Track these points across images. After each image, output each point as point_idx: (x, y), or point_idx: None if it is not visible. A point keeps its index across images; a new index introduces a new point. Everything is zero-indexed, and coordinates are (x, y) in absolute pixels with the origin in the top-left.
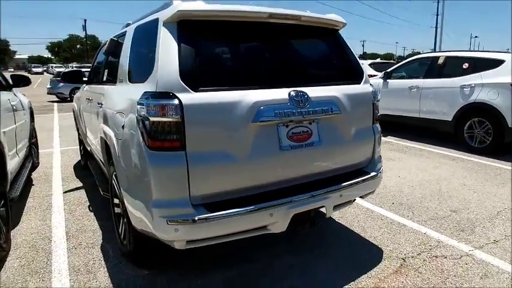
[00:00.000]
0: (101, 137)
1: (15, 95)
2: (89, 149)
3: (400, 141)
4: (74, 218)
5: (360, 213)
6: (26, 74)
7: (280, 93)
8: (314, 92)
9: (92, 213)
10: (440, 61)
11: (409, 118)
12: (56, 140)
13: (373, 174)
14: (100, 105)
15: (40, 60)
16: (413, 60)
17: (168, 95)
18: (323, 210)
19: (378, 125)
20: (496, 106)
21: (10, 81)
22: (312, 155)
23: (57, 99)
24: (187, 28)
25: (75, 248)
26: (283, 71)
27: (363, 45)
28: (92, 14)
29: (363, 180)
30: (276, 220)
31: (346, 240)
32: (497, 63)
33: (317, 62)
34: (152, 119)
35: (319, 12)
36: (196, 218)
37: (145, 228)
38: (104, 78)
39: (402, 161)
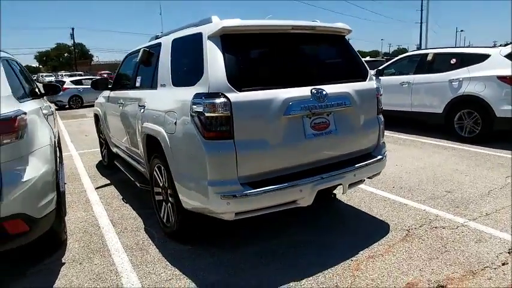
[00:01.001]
0: (146, 135)
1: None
2: (114, 150)
3: (395, 134)
4: (113, 208)
5: (365, 196)
6: None
7: (304, 91)
8: (330, 88)
9: (128, 204)
10: (429, 57)
11: (402, 112)
12: (69, 144)
13: (379, 157)
14: (142, 108)
15: (29, 70)
16: (403, 57)
17: (219, 95)
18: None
19: (381, 116)
20: (484, 97)
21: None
22: (330, 142)
23: (55, 107)
24: (228, 40)
25: (123, 232)
26: (304, 71)
27: None
28: (78, 22)
29: (372, 163)
30: (304, 195)
31: (356, 218)
32: (483, 57)
33: (330, 63)
34: (207, 114)
35: (306, 13)
36: (244, 193)
37: (199, 205)
38: (137, 84)
39: (398, 152)
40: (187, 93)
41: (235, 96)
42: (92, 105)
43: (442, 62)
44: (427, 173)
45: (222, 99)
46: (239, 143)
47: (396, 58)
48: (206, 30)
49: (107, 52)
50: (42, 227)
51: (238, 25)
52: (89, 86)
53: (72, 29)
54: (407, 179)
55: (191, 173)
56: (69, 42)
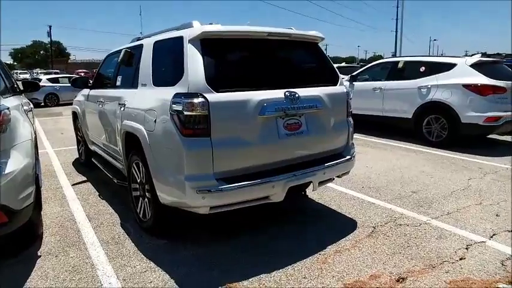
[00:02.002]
0: (125, 132)
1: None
2: (92, 148)
3: (366, 137)
4: (89, 204)
5: (335, 196)
6: None
7: (278, 93)
8: (303, 92)
9: (104, 200)
10: (400, 65)
11: (373, 117)
12: (45, 142)
13: (348, 157)
14: (122, 106)
15: None
16: (376, 64)
17: (198, 95)
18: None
19: (350, 119)
20: (450, 104)
21: (21, 87)
22: (302, 142)
23: None
24: (208, 44)
25: (99, 227)
26: (279, 75)
27: (325, 49)
28: (55, 20)
29: (341, 162)
30: (276, 191)
31: (326, 215)
32: (450, 66)
33: (303, 68)
34: (186, 112)
35: (290, 21)
36: (218, 188)
37: (176, 200)
38: (118, 83)
39: (369, 154)
40: (167, 93)
41: (212, 96)
42: (69, 104)
43: (412, 70)
44: (395, 175)
45: (200, 99)
46: (215, 140)
47: (370, 65)
48: (187, 34)
49: (84, 51)
50: (20, 219)
51: (218, 30)
52: (66, 84)
53: (50, 26)
54: (376, 179)
55: (169, 169)
56: (46, 40)
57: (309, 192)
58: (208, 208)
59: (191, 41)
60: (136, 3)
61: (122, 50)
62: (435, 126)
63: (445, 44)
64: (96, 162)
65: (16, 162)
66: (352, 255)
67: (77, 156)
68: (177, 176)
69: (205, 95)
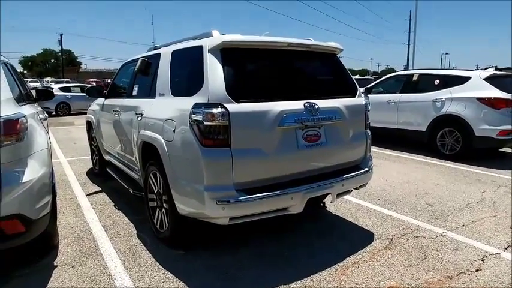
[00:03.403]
0: (143, 142)
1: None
2: (106, 157)
3: (381, 149)
4: (105, 215)
5: (351, 207)
6: None
7: (298, 104)
8: (322, 103)
9: (119, 210)
10: (415, 78)
11: (387, 129)
12: (58, 151)
13: (366, 169)
14: (139, 116)
15: None
16: (391, 77)
17: (218, 105)
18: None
19: (368, 131)
20: (464, 117)
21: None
22: (321, 153)
23: None
24: (228, 54)
25: (115, 237)
26: (298, 86)
27: None
28: (66, 28)
29: (359, 174)
30: (295, 203)
31: (343, 227)
32: (464, 79)
33: (322, 79)
34: (206, 123)
35: (303, 33)
36: (238, 199)
37: (195, 210)
38: (135, 93)
39: (384, 167)
40: (186, 103)
41: (233, 106)
42: (80, 113)
43: (426, 83)
44: (410, 187)
45: (221, 109)
46: (235, 151)
47: (384, 77)
48: (207, 43)
49: (96, 60)
50: (37, 229)
51: (238, 40)
52: (77, 93)
53: (61, 34)
54: (392, 192)
55: (188, 179)
56: (57, 48)
57: (327, 204)
58: (228, 219)
59: (211, 51)
60: (148, 13)
61: (138, 59)
62: (449, 139)
63: (456, 57)
64: (110, 172)
65: (33, 171)
66: (371, 266)
67: (91, 166)
68: (197, 186)
69: (226, 105)
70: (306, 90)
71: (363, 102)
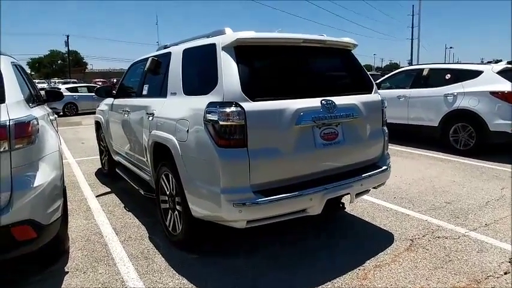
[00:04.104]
0: (154, 142)
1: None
2: (116, 158)
3: (392, 146)
4: (115, 217)
5: (367, 207)
6: None
7: (314, 102)
8: (339, 100)
9: (130, 212)
10: (425, 72)
11: (398, 125)
12: (66, 152)
13: (384, 167)
14: (150, 115)
15: None
16: (399, 72)
17: (234, 104)
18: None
19: (385, 128)
20: (478, 112)
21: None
22: (339, 152)
23: None
24: (242, 51)
25: (127, 241)
26: (314, 83)
27: None
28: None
29: (377, 173)
30: (314, 204)
31: (361, 227)
32: (476, 73)
33: (338, 76)
34: (221, 122)
35: (307, 30)
36: (256, 201)
37: (210, 213)
38: (145, 92)
39: (396, 163)
40: (200, 102)
41: (249, 105)
42: (87, 113)
43: (437, 77)
44: (426, 184)
45: (237, 108)
46: (252, 151)
47: (393, 72)
48: (220, 41)
49: (101, 60)
50: (49, 234)
51: (253, 37)
52: (84, 94)
53: (67, 36)
54: (407, 189)
55: (202, 181)
56: (63, 49)
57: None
58: (245, 222)
59: (225, 48)
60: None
61: (147, 58)
62: (462, 135)
63: (459, 52)
64: (120, 173)
65: (44, 175)
66: (393, 270)
67: (99, 166)
68: (212, 188)
69: (241, 103)
70: (321, 87)
71: (379, 98)
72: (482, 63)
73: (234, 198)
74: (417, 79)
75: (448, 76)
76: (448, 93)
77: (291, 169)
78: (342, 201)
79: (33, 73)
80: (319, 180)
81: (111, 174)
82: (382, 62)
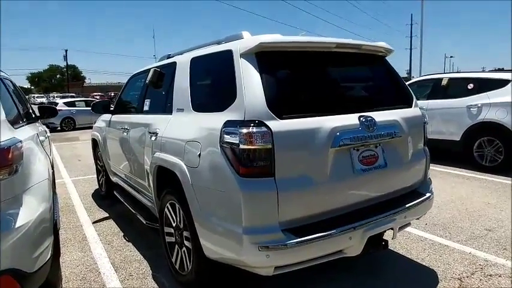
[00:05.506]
0: (157, 166)
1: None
2: (113, 179)
3: None
4: (114, 248)
5: (397, 236)
6: None
7: (352, 119)
8: (378, 116)
9: (130, 243)
10: (444, 82)
11: None
12: (62, 170)
13: (428, 195)
14: (153, 135)
15: None
16: (413, 82)
17: (259, 123)
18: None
19: (426, 147)
20: (506, 125)
21: (38, 112)
22: (379, 178)
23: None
24: (266, 59)
25: (128, 280)
26: (349, 96)
27: None
28: (71, 44)
29: (422, 201)
30: (354, 243)
31: (396, 262)
32: (503, 83)
33: (374, 86)
34: (243, 146)
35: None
36: (287, 243)
37: (229, 256)
38: (146, 108)
39: None
40: (215, 120)
41: (276, 124)
42: (85, 128)
43: (458, 87)
44: (458, 207)
45: (262, 129)
46: (281, 181)
47: (407, 83)
48: (238, 46)
49: (99, 74)
50: (35, 283)
51: (279, 41)
52: (82, 108)
53: (66, 50)
54: (438, 214)
55: (219, 217)
56: (62, 64)
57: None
58: (273, 268)
59: (244, 55)
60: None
61: (149, 69)
62: (488, 149)
63: (458, 61)
64: (119, 197)
65: (30, 211)
66: None
67: (96, 186)
68: (232, 227)
69: (267, 122)
70: (358, 100)
71: (420, 113)
72: (483, 71)
73: (259, 240)
74: (435, 90)
75: (470, 86)
76: (472, 105)
77: (326, 201)
78: (384, 238)
79: (32, 87)
80: (358, 213)
81: (108, 195)
82: None
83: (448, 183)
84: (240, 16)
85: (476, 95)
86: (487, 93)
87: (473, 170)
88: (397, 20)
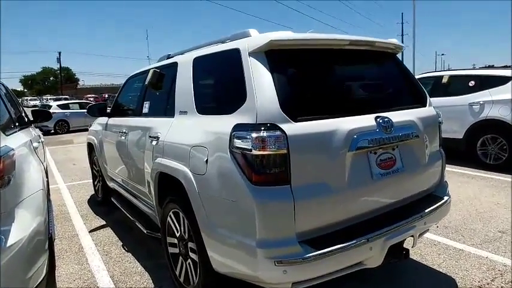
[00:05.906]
0: (159, 172)
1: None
2: (110, 185)
3: None
4: (112, 259)
5: (408, 239)
6: None
7: (368, 120)
8: (395, 116)
9: (129, 253)
10: (444, 80)
11: None
12: (57, 175)
13: (446, 198)
14: (154, 139)
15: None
16: None
17: (272, 127)
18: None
19: (442, 148)
20: (510, 122)
21: (31, 116)
22: (397, 182)
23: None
24: (276, 57)
25: None
26: (364, 96)
27: None
28: (64, 46)
29: (440, 205)
30: (374, 254)
31: (411, 268)
32: (505, 79)
33: (388, 85)
34: (255, 152)
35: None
36: (305, 257)
37: (241, 271)
38: (145, 111)
39: None
40: (223, 124)
41: (291, 128)
42: (79, 130)
43: (459, 85)
44: (467, 208)
45: (276, 132)
46: (297, 189)
47: None
48: (246, 45)
49: (92, 76)
50: None
51: (291, 38)
52: (76, 110)
53: (59, 53)
54: (448, 215)
55: (230, 229)
56: (55, 66)
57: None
58: (290, 285)
59: (253, 54)
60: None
61: (148, 70)
62: (492, 147)
63: (449, 58)
64: (116, 203)
65: (23, 227)
66: None
67: (93, 192)
68: (244, 240)
69: (282, 126)
70: (372, 100)
71: (435, 112)
72: (474, 68)
73: (275, 254)
74: (435, 88)
75: (471, 83)
76: (474, 102)
77: (344, 209)
78: (404, 246)
79: (25, 90)
80: (377, 221)
81: (105, 202)
82: None
83: (454, 183)
84: (231, 16)
85: (478, 93)
86: (489, 90)
87: (477, 169)
88: (390, 19)
